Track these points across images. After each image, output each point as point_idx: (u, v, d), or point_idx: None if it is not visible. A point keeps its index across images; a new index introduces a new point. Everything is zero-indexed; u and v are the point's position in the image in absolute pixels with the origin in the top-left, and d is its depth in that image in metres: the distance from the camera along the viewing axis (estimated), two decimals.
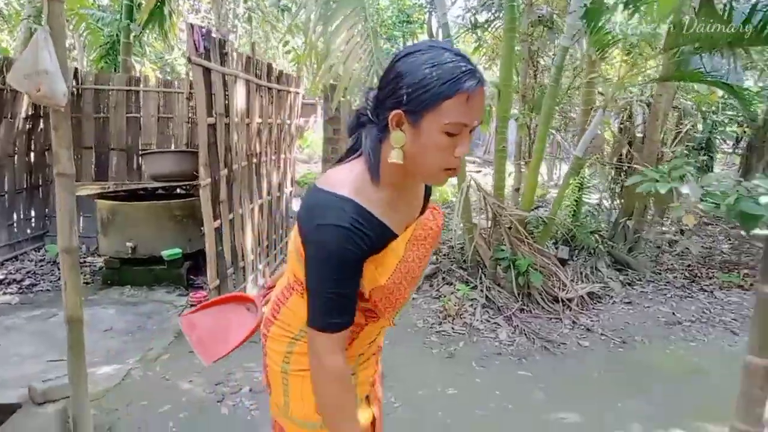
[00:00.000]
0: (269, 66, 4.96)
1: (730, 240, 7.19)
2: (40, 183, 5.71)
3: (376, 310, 1.25)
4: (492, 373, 3.44)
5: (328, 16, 3.99)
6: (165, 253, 4.55)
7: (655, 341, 4.00)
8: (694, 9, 3.66)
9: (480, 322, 4.12)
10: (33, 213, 5.65)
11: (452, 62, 1.08)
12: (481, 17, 7.83)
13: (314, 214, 1.15)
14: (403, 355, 3.57)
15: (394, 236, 1.21)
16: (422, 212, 1.34)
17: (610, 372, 3.50)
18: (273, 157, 5.23)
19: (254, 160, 4.55)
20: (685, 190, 1.59)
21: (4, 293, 4.43)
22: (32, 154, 5.59)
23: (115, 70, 6.78)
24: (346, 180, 1.18)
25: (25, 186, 5.50)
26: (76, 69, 5.90)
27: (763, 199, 1.37)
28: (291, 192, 6.30)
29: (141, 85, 5.96)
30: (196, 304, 4.20)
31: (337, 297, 1.15)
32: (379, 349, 1.50)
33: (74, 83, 5.56)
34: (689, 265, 5.83)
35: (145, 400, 2.86)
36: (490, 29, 7.55)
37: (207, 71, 3.50)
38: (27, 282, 4.68)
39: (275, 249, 5.39)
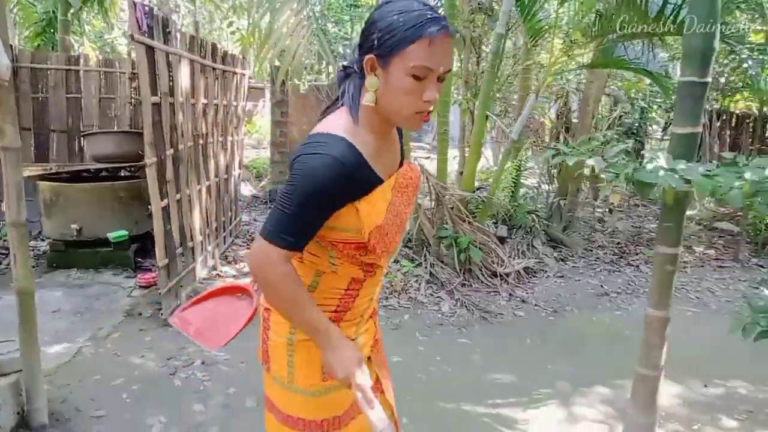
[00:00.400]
0: (214, 46, 4.95)
1: (656, 220, 7.73)
2: None
3: (374, 253, 1.29)
4: (434, 341, 3.66)
5: None
6: (111, 235, 4.52)
7: (584, 311, 4.34)
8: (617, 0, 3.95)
9: (424, 296, 4.34)
10: None
11: (418, 11, 1.16)
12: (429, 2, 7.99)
13: (307, 146, 1.18)
14: None
15: (380, 181, 1.27)
16: (400, 165, 1.40)
17: (542, 338, 3.79)
18: (220, 139, 5.24)
19: (200, 141, 4.56)
20: (590, 162, 1.81)
21: None
22: None
23: (52, 49, 6.55)
24: (338, 124, 1.23)
25: None
26: (10, 46, 5.68)
27: (650, 167, 1.59)
28: (239, 175, 6.31)
29: (81, 65, 5.81)
30: (145, 286, 4.25)
31: (300, 217, 1.18)
32: (375, 312, 1.56)
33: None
34: (618, 243, 6.26)
35: (98, 374, 2.90)
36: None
37: (150, 50, 3.50)
38: None
39: (224, 231, 5.42)
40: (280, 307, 1.28)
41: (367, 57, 1.18)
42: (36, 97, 5.71)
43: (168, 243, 3.73)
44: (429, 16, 1.16)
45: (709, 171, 1.60)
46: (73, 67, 5.77)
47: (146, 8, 3.42)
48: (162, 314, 3.61)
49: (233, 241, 5.74)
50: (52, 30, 6.52)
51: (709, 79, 1.86)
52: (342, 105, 1.27)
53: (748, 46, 4.55)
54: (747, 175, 1.55)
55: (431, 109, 1.21)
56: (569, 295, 4.62)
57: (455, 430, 2.65)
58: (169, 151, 3.78)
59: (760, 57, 4.47)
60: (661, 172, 1.56)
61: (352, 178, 1.18)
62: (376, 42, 1.17)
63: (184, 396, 2.79)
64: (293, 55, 3.94)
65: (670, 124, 9.48)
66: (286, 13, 3.98)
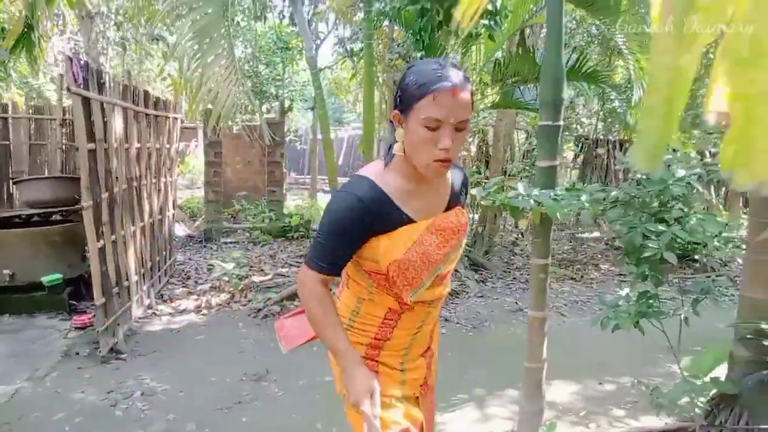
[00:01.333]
0: (146, 93, 5.18)
1: (570, 242, 8.44)
2: None
3: (393, 286, 1.42)
4: None
5: (203, 49, 4.38)
6: (45, 279, 4.57)
7: (500, 325, 4.78)
8: (512, 51, 4.55)
9: None
10: None
11: (432, 70, 1.28)
12: (357, 46, 8.54)
13: (342, 186, 1.42)
14: (288, 355, 3.97)
15: (411, 220, 1.41)
16: (449, 209, 1.51)
17: (463, 351, 4.18)
18: (153, 181, 5.42)
19: (135, 184, 4.75)
20: (473, 191, 2.23)
21: None
22: None
23: None
24: (372, 168, 1.44)
25: None
26: None
27: (512, 194, 2.02)
28: (173, 215, 6.45)
29: (9, 112, 5.85)
30: (80, 327, 4.33)
31: (329, 246, 1.37)
32: (431, 356, 1.67)
33: None
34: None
35: (38, 412, 3.01)
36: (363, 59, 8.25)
37: (86, 100, 3.72)
38: None
39: (159, 270, 5.54)
40: (311, 322, 1.45)
41: (394, 112, 1.36)
42: None
43: (105, 283, 3.87)
44: (437, 74, 1.27)
45: (557, 195, 2.05)
46: (0, 115, 5.80)
47: (81, 62, 3.65)
48: (100, 352, 3.73)
49: (168, 280, 5.85)
50: None
51: (561, 123, 2.34)
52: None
53: (614, 86, 5.27)
54: (583, 197, 2.01)
55: (447, 156, 1.30)
56: (488, 313, 5.07)
57: None
58: (105, 195, 3.96)
59: (624, 96, 5.19)
60: (519, 198, 1.99)
61: (372, 214, 1.35)
62: (398, 99, 1.35)
63: (126, 425, 2.94)
64: (225, 99, 4.25)
65: (578, 154, 10.37)
66: (217, 65, 4.30)
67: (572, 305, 5.40)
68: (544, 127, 2.33)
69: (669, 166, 2.21)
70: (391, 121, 1.40)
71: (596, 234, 8.87)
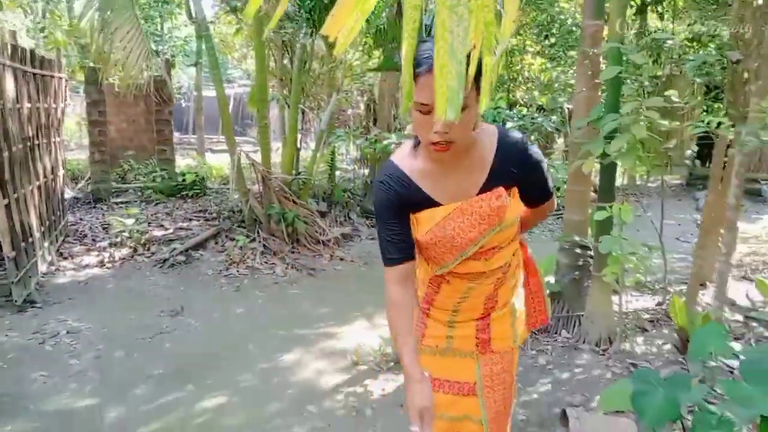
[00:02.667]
0: (32, 52, 5.12)
1: None
2: None
3: (424, 257, 1.50)
4: (270, 295, 4.52)
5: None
6: None
7: None
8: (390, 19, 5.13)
9: (260, 264, 5.15)
10: None
11: (424, 50, 1.19)
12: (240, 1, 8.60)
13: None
14: (199, 294, 4.42)
15: (435, 203, 1.38)
16: (486, 190, 1.38)
17: (358, 281, 4.87)
18: (44, 141, 5.40)
19: (29, 144, 4.78)
20: (358, 142, 2.81)
21: None
22: None
23: None
24: (400, 151, 1.46)
25: None
26: None
27: (386, 142, 2.64)
28: (63, 175, 6.40)
29: None
30: None
31: (385, 238, 1.40)
32: (486, 320, 1.58)
33: None
34: None
35: None
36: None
37: None
38: None
39: (56, 230, 5.59)
40: (389, 327, 1.48)
41: None
42: None
43: (14, 237, 4.02)
44: (425, 56, 1.18)
45: None
46: None
47: None
48: (16, 302, 3.92)
49: (64, 239, 5.89)
50: None
51: None
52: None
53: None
54: None
55: (440, 140, 1.23)
56: (376, 252, 5.76)
57: (290, 346, 3.54)
58: (5, 154, 4.04)
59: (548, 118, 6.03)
60: (391, 146, 2.62)
61: (398, 194, 1.37)
62: None
63: (58, 356, 3.28)
64: (136, 57, 4.42)
65: None
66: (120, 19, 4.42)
67: None
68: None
69: (504, 121, 2.96)
70: None
71: None
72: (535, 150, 1.46)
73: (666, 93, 2.62)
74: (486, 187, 1.39)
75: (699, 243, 3.66)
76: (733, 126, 2.76)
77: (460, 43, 0.84)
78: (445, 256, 1.43)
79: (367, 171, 8.25)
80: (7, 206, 3.99)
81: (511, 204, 1.42)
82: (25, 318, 3.80)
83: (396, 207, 1.38)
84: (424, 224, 1.40)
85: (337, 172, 7.77)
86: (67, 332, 3.58)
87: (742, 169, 2.54)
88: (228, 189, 8.68)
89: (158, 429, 2.60)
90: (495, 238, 1.44)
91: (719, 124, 2.66)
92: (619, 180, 11.51)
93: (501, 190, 1.39)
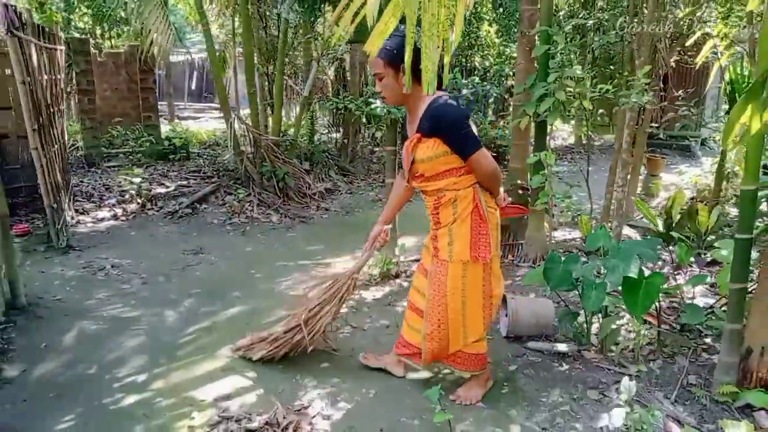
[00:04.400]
0: (42, 27, 5.69)
1: None
2: None
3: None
4: (270, 238, 5.39)
5: None
6: None
7: (365, 210, 6.45)
8: None
9: (257, 215, 5.99)
10: None
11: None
12: None
13: None
14: (212, 238, 5.25)
15: (407, 136, 2.44)
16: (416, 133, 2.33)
17: (339, 227, 5.78)
18: (54, 109, 6.02)
19: (49, 111, 5.42)
20: (349, 105, 3.65)
21: None
22: None
23: None
24: None
25: None
26: None
27: (373, 106, 3.50)
28: (65, 140, 6.99)
29: None
30: (21, 234, 5.14)
31: None
32: (437, 227, 2.42)
33: None
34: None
35: (36, 282, 4.01)
36: None
37: (19, 40, 4.40)
38: None
39: (69, 189, 6.26)
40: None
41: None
42: None
43: (52, 190, 4.74)
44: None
45: (399, 107, 3.59)
46: None
47: (14, 8, 4.30)
48: (61, 244, 4.68)
49: (74, 198, 6.56)
50: None
51: None
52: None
53: None
54: None
55: (382, 95, 2.39)
56: (356, 203, 6.71)
57: (292, 273, 4.43)
58: (40, 121, 4.72)
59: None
60: (378, 109, 3.48)
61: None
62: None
63: (110, 282, 4.10)
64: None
65: None
66: None
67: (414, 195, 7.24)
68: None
69: (460, 89, 3.85)
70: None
71: None
72: (447, 115, 2.26)
73: (574, 67, 3.55)
74: (416, 132, 2.31)
75: (608, 182, 4.70)
76: (618, 90, 3.72)
77: (433, 41, 1.77)
78: (404, 165, 2.41)
79: (340, 134, 9.06)
80: (46, 163, 4.70)
81: (421, 146, 2.30)
82: (71, 258, 4.57)
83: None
84: (404, 147, 2.42)
85: (315, 135, 8.56)
86: (112, 266, 4.39)
87: (631, 122, 3.53)
88: (212, 151, 9.39)
89: (203, 327, 3.47)
90: (417, 167, 2.35)
91: (608, 90, 3.63)
92: (570, 140, 12.61)
93: (417, 135, 2.30)
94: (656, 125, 5.23)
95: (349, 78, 9.02)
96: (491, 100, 8.86)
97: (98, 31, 13.75)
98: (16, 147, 5.99)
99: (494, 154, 7.29)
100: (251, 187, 6.37)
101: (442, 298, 2.44)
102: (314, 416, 2.48)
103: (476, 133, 2.37)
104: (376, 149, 9.35)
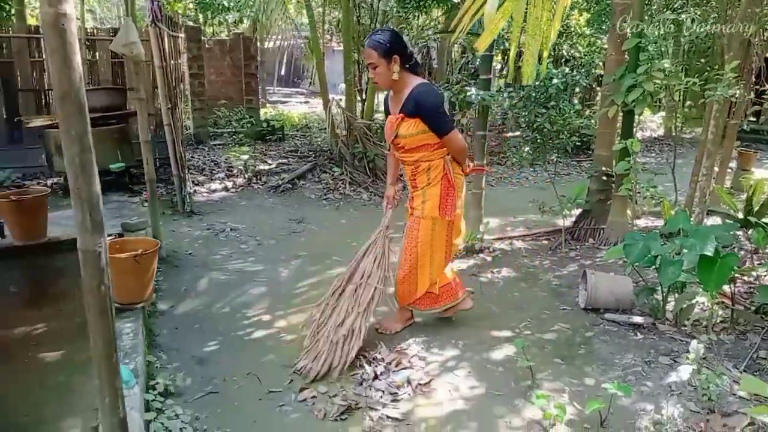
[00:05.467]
0: (170, 18, 6.46)
1: (497, 140, 10.52)
2: None
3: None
4: (362, 213, 5.88)
5: None
6: (112, 166, 6.04)
7: None
8: None
9: (349, 192, 6.51)
10: None
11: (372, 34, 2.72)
12: None
13: None
14: (311, 210, 5.83)
15: (389, 113, 2.90)
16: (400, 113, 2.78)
17: None
18: (178, 90, 6.81)
19: (174, 92, 6.18)
20: (445, 94, 4.03)
21: None
22: None
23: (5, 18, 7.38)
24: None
25: None
26: None
27: (469, 94, 3.84)
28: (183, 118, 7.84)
29: (41, 33, 6.90)
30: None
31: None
32: (414, 191, 2.97)
33: None
34: None
35: (168, 240, 4.71)
36: None
37: (159, 30, 5.11)
38: None
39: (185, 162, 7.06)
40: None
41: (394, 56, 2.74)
42: (1, 62, 6.76)
43: (178, 162, 5.47)
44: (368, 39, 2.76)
45: (492, 94, 3.91)
46: (33, 35, 6.86)
47: (156, 2, 5.00)
48: (187, 208, 5.41)
49: (189, 171, 7.38)
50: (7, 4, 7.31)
51: (493, 53, 4.15)
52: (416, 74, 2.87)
53: None
54: (504, 95, 3.89)
55: (374, 81, 2.87)
56: None
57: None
58: (172, 101, 5.44)
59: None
60: (472, 96, 3.83)
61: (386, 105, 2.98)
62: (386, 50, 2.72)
63: (230, 242, 4.74)
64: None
65: (503, 67, 12.32)
66: None
67: (498, 180, 7.51)
68: (484, 56, 4.15)
69: (551, 78, 4.11)
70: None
71: (517, 133, 10.98)
72: (427, 101, 2.73)
73: (662, 61, 3.71)
74: (400, 112, 2.77)
75: (693, 171, 4.78)
76: (706, 83, 3.83)
77: (535, 40, 2.13)
78: (387, 137, 2.89)
79: None
80: (174, 140, 5.42)
81: (404, 124, 2.76)
82: (195, 221, 5.28)
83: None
84: (387, 121, 2.90)
85: None
86: (230, 229, 5.04)
87: (717, 114, 3.66)
88: (304, 133, 10.05)
89: (311, 283, 3.99)
90: (399, 140, 2.82)
91: (695, 83, 3.75)
92: (659, 132, 12.27)
93: (400, 115, 2.77)
94: (753, 119, 5.21)
95: (435, 66, 9.34)
96: (577, 90, 8.90)
97: (201, 19, 14.89)
98: (149, 125, 6.80)
99: (578, 143, 7.43)
100: (344, 166, 6.89)
101: (414, 248, 3.01)
102: (412, 356, 2.91)
103: (450, 117, 2.99)
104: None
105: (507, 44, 6.53)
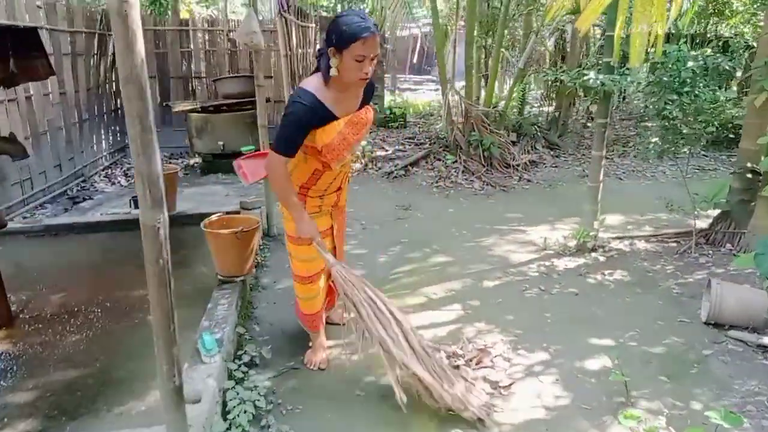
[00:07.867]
0: (300, 9, 6.78)
1: (633, 128, 9.66)
2: (119, 106, 7.45)
3: (326, 159, 2.16)
4: (471, 202, 5.74)
5: None
6: (243, 149, 6.48)
7: (569, 184, 6.38)
8: None
9: (461, 180, 6.38)
10: (118, 128, 7.44)
11: (356, 23, 1.95)
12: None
13: (293, 95, 2.14)
14: (420, 198, 5.82)
15: (337, 118, 2.15)
16: (360, 108, 2.26)
17: (540, 198, 5.86)
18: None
19: (301, 79, 6.50)
20: (563, 77, 3.73)
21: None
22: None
23: (160, 12, 8.27)
24: (312, 82, 2.15)
25: (113, 108, 7.25)
26: None
27: (586, 77, 3.52)
28: None
29: (190, 25, 7.63)
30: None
31: (287, 138, 2.09)
32: (340, 191, 2.50)
33: None
34: None
35: None
36: None
37: (285, 20, 5.38)
38: None
39: None
40: (278, 191, 2.23)
41: (329, 48, 2.05)
42: (157, 53, 7.58)
43: None
44: (362, 26, 1.94)
45: (613, 78, 3.56)
46: (184, 28, 7.60)
47: None
48: None
49: None
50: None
51: (614, 33, 3.76)
52: (317, 71, 2.18)
53: None
54: (629, 80, 3.51)
55: (367, 76, 2.08)
56: (560, 177, 6.67)
57: (489, 234, 4.72)
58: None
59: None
60: (590, 81, 3.51)
61: (314, 116, 2.09)
62: (333, 41, 2.02)
63: None
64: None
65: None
66: None
67: (627, 172, 6.89)
68: (608, 38, 3.79)
69: (686, 61, 3.64)
70: (324, 53, 2.10)
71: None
72: (373, 85, 2.36)
73: None
74: (361, 106, 2.28)
75: None
76: None
77: (645, 17, 1.90)
78: (343, 152, 2.18)
79: (552, 108, 8.92)
80: None
81: (369, 115, 2.32)
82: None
83: (308, 124, 2.09)
84: (330, 133, 2.13)
85: (526, 107, 8.59)
86: None
87: None
88: (426, 120, 10.03)
89: (407, 270, 3.98)
90: (362, 136, 2.34)
91: None
92: None
93: (371, 105, 2.35)
94: None
95: (569, 50, 8.77)
96: (739, 74, 7.80)
97: (339, 8, 15.46)
98: (272, 111, 7.25)
99: (732, 136, 6.51)
100: (458, 154, 6.77)
101: (344, 230, 2.81)
102: (495, 356, 2.78)
103: None
104: (589, 124, 8.99)
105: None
